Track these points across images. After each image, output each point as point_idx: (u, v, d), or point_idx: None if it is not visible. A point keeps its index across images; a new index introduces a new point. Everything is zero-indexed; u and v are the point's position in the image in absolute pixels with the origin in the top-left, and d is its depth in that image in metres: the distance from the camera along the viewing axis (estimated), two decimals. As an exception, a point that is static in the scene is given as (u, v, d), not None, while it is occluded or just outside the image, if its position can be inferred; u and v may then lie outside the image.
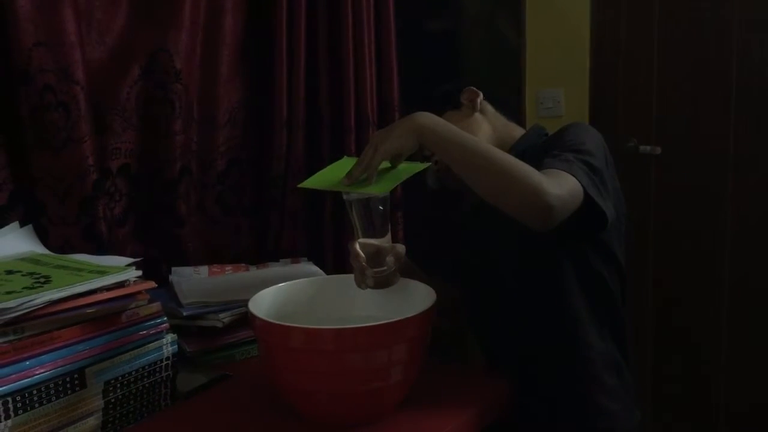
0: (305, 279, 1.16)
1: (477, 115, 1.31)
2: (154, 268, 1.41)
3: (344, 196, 1.06)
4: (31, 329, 0.93)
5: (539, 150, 1.17)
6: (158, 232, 1.48)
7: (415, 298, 1.04)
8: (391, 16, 1.74)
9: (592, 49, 2.20)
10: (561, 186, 1.00)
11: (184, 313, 1.27)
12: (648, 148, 2.18)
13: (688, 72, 2.12)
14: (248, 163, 1.64)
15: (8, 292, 0.94)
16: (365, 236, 1.05)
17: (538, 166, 1.05)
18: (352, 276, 1.07)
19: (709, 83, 2.09)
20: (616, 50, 2.22)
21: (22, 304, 0.91)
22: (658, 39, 2.16)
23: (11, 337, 0.92)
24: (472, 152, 1.02)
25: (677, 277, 2.20)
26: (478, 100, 1.31)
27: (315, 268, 1.49)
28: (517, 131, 1.32)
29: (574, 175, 1.03)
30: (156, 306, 1.09)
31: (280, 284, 1.14)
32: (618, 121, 2.19)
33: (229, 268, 1.50)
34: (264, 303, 1.06)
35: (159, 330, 1.08)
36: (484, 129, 1.29)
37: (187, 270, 1.46)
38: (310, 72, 1.66)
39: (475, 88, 1.31)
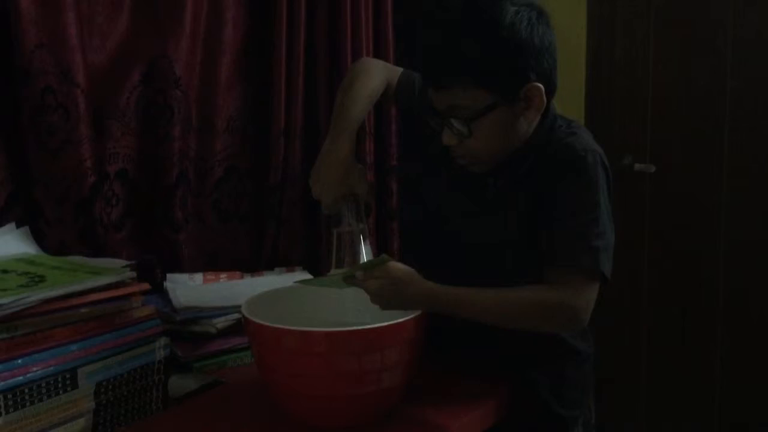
0: (299, 284, 1.16)
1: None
2: (149, 274, 1.41)
3: (335, 229, 1.10)
4: (24, 327, 0.93)
5: (547, 157, 1.11)
6: (154, 237, 1.49)
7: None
8: (389, 26, 1.76)
9: (587, 67, 2.23)
10: (583, 294, 1.03)
11: (178, 318, 1.27)
12: (643, 165, 2.20)
13: (683, 90, 2.14)
14: (245, 171, 1.65)
15: (2, 290, 0.94)
16: (338, 267, 1.08)
17: (545, 176, 1.06)
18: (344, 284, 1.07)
19: (703, 101, 2.11)
20: (612, 69, 2.24)
21: (16, 300, 0.91)
22: (654, 58, 2.18)
23: (4, 335, 0.92)
24: (483, 310, 1.03)
25: (672, 295, 2.21)
26: (541, 99, 1.09)
27: (309, 277, 1.49)
28: (536, 119, 1.14)
29: (598, 265, 1.04)
30: (149, 308, 1.10)
31: (275, 288, 1.14)
32: (613, 139, 2.21)
33: (223, 275, 1.50)
34: (258, 307, 1.06)
35: (152, 333, 1.08)
36: (523, 130, 1.11)
37: (182, 277, 1.46)
38: (308, 81, 1.68)
39: (540, 86, 1.07)
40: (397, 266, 1.02)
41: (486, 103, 1.05)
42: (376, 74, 1.26)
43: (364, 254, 1.11)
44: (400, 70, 1.30)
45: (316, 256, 1.72)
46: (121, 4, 1.40)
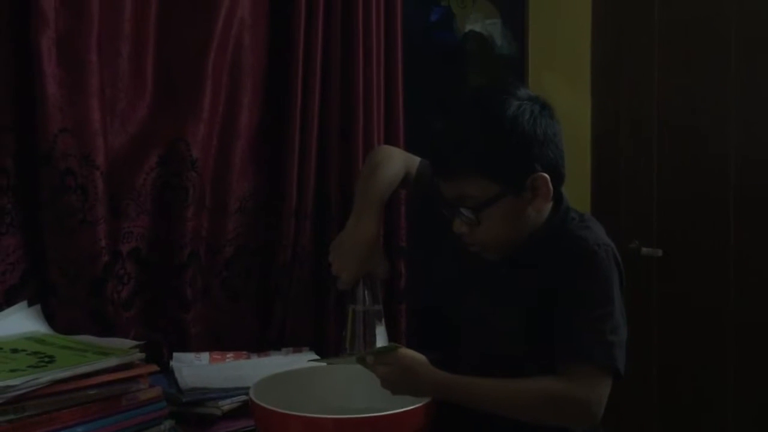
0: (307, 367, 1.16)
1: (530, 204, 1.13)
2: (156, 353, 1.41)
3: (351, 306, 1.11)
4: (32, 408, 0.93)
5: (560, 249, 1.12)
6: (163, 316, 1.49)
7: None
8: (399, 113, 1.81)
9: (592, 152, 2.27)
10: (596, 388, 1.04)
11: (184, 399, 1.26)
12: (650, 250, 2.20)
13: (688, 174, 2.17)
14: (255, 250, 1.66)
15: (12, 370, 0.95)
16: (352, 349, 1.08)
17: (554, 269, 1.08)
18: (354, 367, 1.07)
19: (709, 185, 2.13)
20: (616, 154, 2.28)
21: (27, 382, 0.91)
22: (657, 144, 2.22)
23: (11, 416, 0.92)
24: (494, 401, 1.04)
25: (681, 381, 2.17)
26: (547, 189, 1.11)
27: (316, 358, 1.48)
28: (546, 209, 1.16)
29: (613, 361, 1.05)
30: (156, 390, 1.09)
31: (282, 371, 1.14)
32: (620, 224, 2.23)
33: (230, 355, 1.49)
34: (265, 390, 1.06)
35: (158, 415, 1.08)
36: (532, 219, 1.14)
37: (189, 356, 1.46)
38: (320, 163, 1.72)
39: (546, 176, 1.10)
40: (408, 354, 1.03)
41: (492, 193, 1.08)
42: (397, 161, 1.31)
43: (378, 335, 1.11)
44: (418, 159, 1.35)
45: (324, 336, 1.71)
46: (143, 90, 1.46)
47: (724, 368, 2.10)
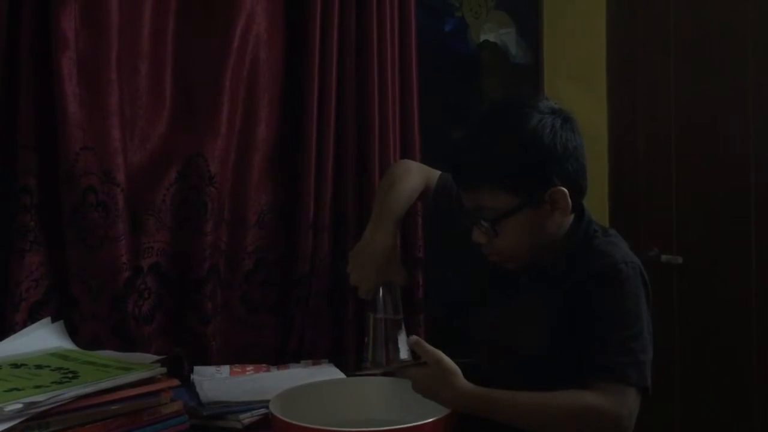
0: (327, 380, 1.17)
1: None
2: (178, 367, 1.42)
3: (371, 314, 1.13)
4: (56, 424, 0.95)
5: (585, 264, 1.12)
6: (184, 329, 1.51)
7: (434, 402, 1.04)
8: (415, 124, 1.82)
9: (610, 160, 2.26)
10: (626, 404, 1.04)
11: (205, 413, 1.27)
12: (669, 257, 2.18)
13: (707, 180, 2.15)
14: (274, 263, 1.68)
15: (37, 386, 0.96)
16: (375, 350, 1.09)
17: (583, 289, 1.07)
18: (372, 379, 1.07)
19: (728, 191, 2.11)
20: (634, 161, 2.27)
21: (51, 398, 0.93)
22: (676, 150, 2.21)
23: (36, 432, 0.93)
24: (523, 414, 1.04)
25: (704, 390, 2.15)
26: (566, 202, 1.11)
27: (335, 370, 1.49)
28: (566, 222, 1.17)
29: (645, 381, 1.06)
30: (177, 404, 1.10)
31: (301, 385, 1.14)
32: (639, 231, 2.21)
33: (250, 368, 1.50)
34: (285, 403, 1.07)
35: (179, 429, 1.09)
36: (552, 231, 1.14)
37: (209, 369, 1.47)
38: (337, 176, 1.73)
39: (564, 190, 1.10)
40: (444, 360, 1.03)
41: (511, 205, 1.08)
42: (417, 174, 1.32)
43: (400, 343, 1.12)
44: (438, 172, 1.36)
45: (343, 348, 1.72)
46: (161, 107, 1.48)
47: (749, 376, 2.07)
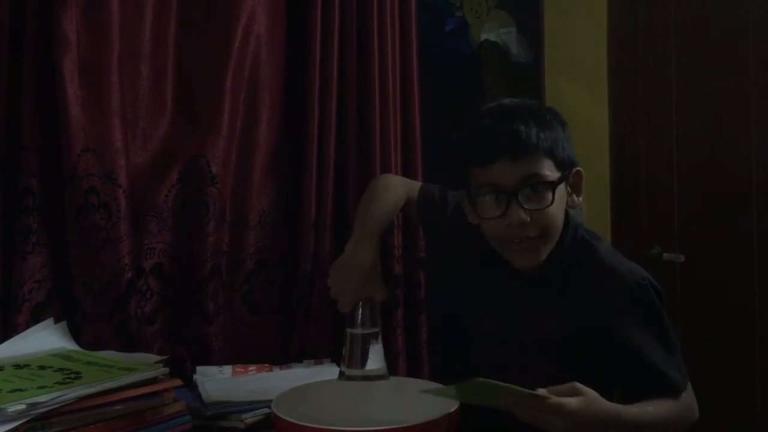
0: (328, 380, 1.17)
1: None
2: (180, 367, 1.43)
3: (348, 330, 1.15)
4: (59, 425, 0.95)
5: (589, 277, 1.15)
6: (186, 330, 1.51)
7: (437, 401, 1.04)
8: (417, 127, 1.82)
9: (611, 156, 2.26)
10: (691, 400, 1.15)
11: (207, 413, 1.27)
12: (671, 255, 2.18)
13: (709, 176, 2.15)
14: (276, 264, 1.68)
15: (40, 387, 0.97)
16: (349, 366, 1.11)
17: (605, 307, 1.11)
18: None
19: (730, 188, 2.11)
20: (636, 157, 2.27)
21: (54, 398, 0.93)
22: (677, 146, 2.21)
23: (39, 433, 0.93)
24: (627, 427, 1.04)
25: (707, 389, 2.14)
26: (581, 185, 1.17)
27: (338, 370, 1.49)
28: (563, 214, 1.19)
29: (687, 375, 1.15)
30: (180, 404, 1.11)
31: (304, 384, 1.15)
32: (640, 229, 2.21)
33: (252, 368, 1.51)
34: (287, 403, 1.07)
35: (182, 429, 1.09)
36: (562, 216, 1.16)
37: (212, 369, 1.47)
38: (338, 176, 1.73)
39: (583, 172, 1.17)
40: (586, 389, 0.99)
41: (556, 177, 1.11)
42: (398, 188, 1.34)
43: (372, 353, 1.14)
44: (419, 184, 1.37)
45: (345, 348, 1.72)
46: (163, 108, 1.48)
47: (751, 373, 2.07)
